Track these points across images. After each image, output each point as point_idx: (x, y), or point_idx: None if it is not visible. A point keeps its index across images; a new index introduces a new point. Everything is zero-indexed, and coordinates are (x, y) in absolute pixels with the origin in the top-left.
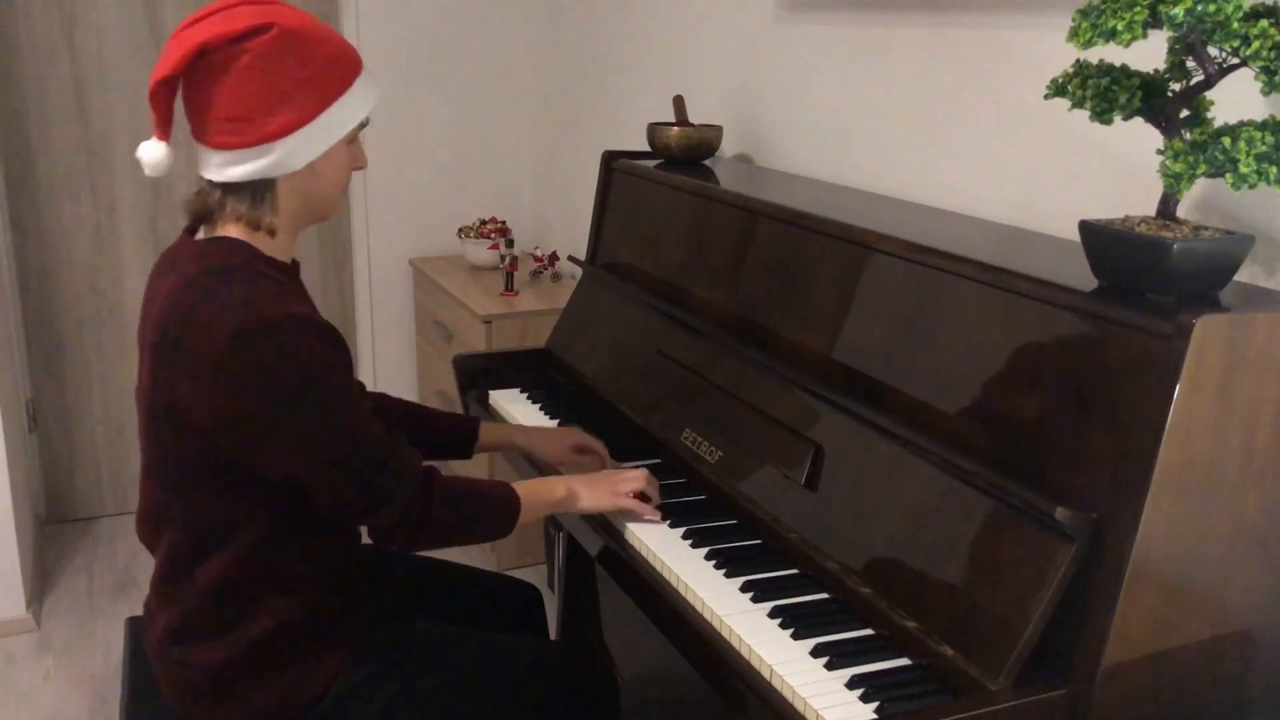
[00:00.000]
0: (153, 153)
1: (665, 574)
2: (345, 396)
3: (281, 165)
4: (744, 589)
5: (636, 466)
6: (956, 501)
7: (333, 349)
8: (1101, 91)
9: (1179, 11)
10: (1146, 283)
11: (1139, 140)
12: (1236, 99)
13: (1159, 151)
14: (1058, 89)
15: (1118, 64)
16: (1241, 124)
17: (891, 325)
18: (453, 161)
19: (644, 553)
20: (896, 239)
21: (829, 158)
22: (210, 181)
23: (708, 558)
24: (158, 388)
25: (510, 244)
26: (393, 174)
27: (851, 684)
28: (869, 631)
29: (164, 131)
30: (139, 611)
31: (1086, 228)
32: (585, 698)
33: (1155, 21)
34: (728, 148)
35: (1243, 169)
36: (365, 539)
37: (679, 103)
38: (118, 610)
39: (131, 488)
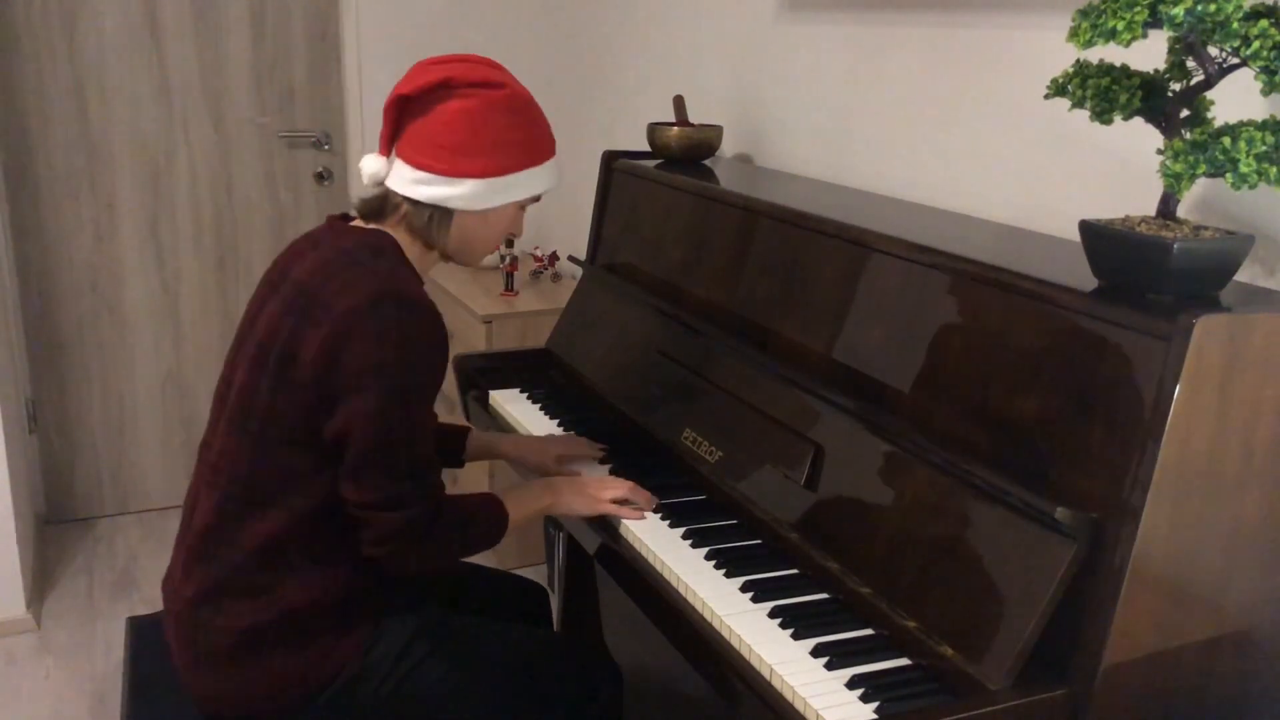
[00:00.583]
0: (374, 165)
1: (665, 574)
2: (426, 395)
3: (464, 201)
4: (744, 589)
5: (636, 462)
6: (956, 502)
7: (439, 352)
8: (1101, 91)
9: (1179, 11)
10: (1146, 283)
11: (1139, 140)
12: (1236, 99)
13: (1159, 151)
14: (1058, 89)
15: (1118, 64)
16: (1241, 124)
17: (891, 325)
18: None
19: (644, 552)
20: (896, 239)
21: (829, 158)
22: (397, 192)
23: (708, 558)
24: (279, 338)
25: (510, 244)
26: None
27: (851, 684)
28: (869, 631)
29: (388, 147)
30: (139, 611)
31: (1086, 228)
32: (591, 685)
33: (1155, 21)
34: (728, 148)
35: (1243, 169)
36: None
37: (679, 103)
38: (118, 610)
39: (132, 487)
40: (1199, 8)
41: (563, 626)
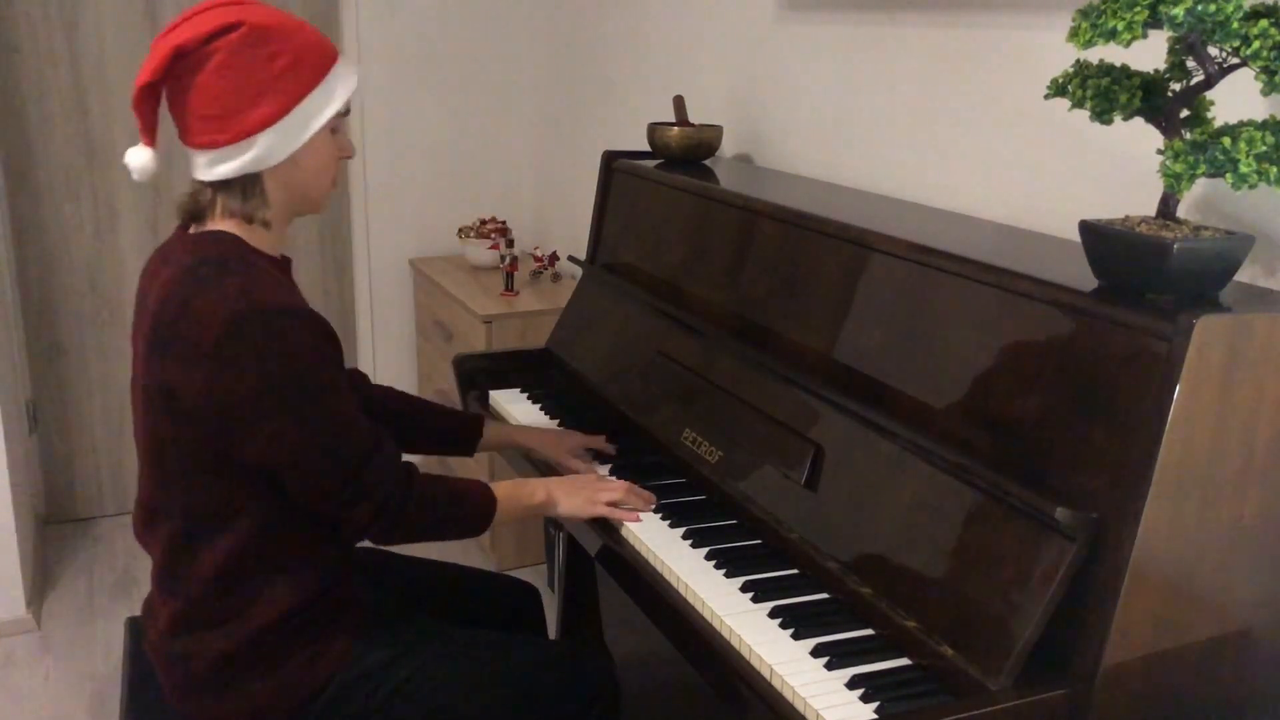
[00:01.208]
0: (140, 158)
1: (665, 574)
2: (334, 389)
3: (264, 159)
4: (744, 589)
5: (636, 462)
6: (956, 501)
7: (325, 342)
8: (1101, 91)
9: (1179, 11)
10: (1146, 283)
11: (1139, 140)
12: (1236, 99)
13: (1159, 151)
14: (1058, 89)
15: (1118, 64)
16: (1241, 124)
17: (891, 325)
18: (453, 161)
19: (644, 553)
20: (896, 239)
21: (829, 158)
22: (201, 181)
23: (708, 558)
24: (152, 376)
25: (510, 244)
26: (393, 174)
27: (851, 684)
28: (869, 631)
29: (150, 138)
30: (139, 611)
31: (1086, 228)
32: (585, 696)
33: (1155, 21)
34: (728, 148)
35: (1243, 169)
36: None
37: (679, 103)
38: (118, 610)
39: (132, 487)
40: (1199, 8)
41: (563, 627)
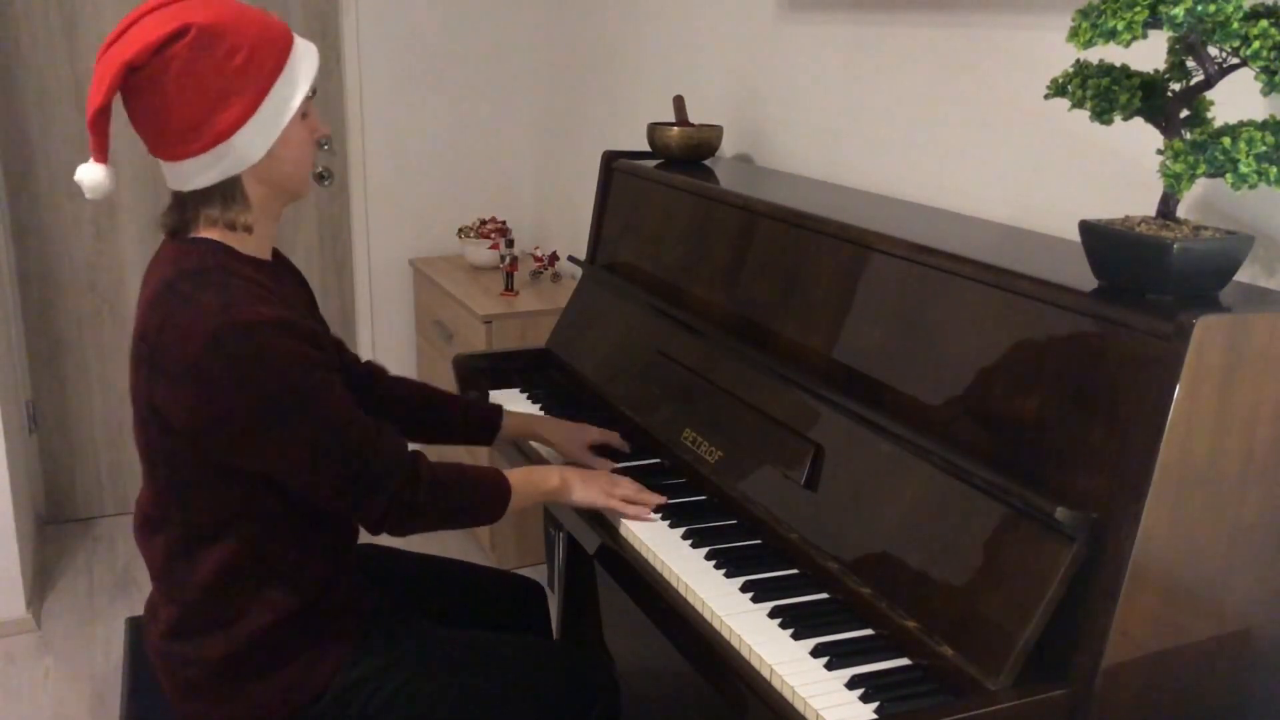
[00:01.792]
0: (93, 175)
1: (665, 574)
2: (326, 392)
3: (242, 160)
4: (744, 589)
5: (636, 464)
6: (956, 501)
7: (310, 347)
8: (1101, 91)
9: (1179, 11)
10: (1146, 283)
11: (1139, 140)
12: (1236, 99)
13: (1159, 151)
14: (1058, 89)
15: (1118, 64)
16: (1241, 124)
17: (891, 325)
18: (453, 161)
19: (644, 552)
20: (896, 239)
21: (829, 158)
22: (179, 192)
23: (708, 558)
24: (140, 391)
25: (510, 244)
26: (393, 174)
27: (851, 684)
28: (869, 631)
29: (102, 155)
30: (139, 611)
31: (1086, 228)
32: (586, 696)
33: (1155, 21)
34: (728, 148)
35: (1243, 169)
36: (364, 536)
37: (679, 103)
38: (118, 610)
39: (132, 488)
40: (1199, 8)
41: (562, 626)
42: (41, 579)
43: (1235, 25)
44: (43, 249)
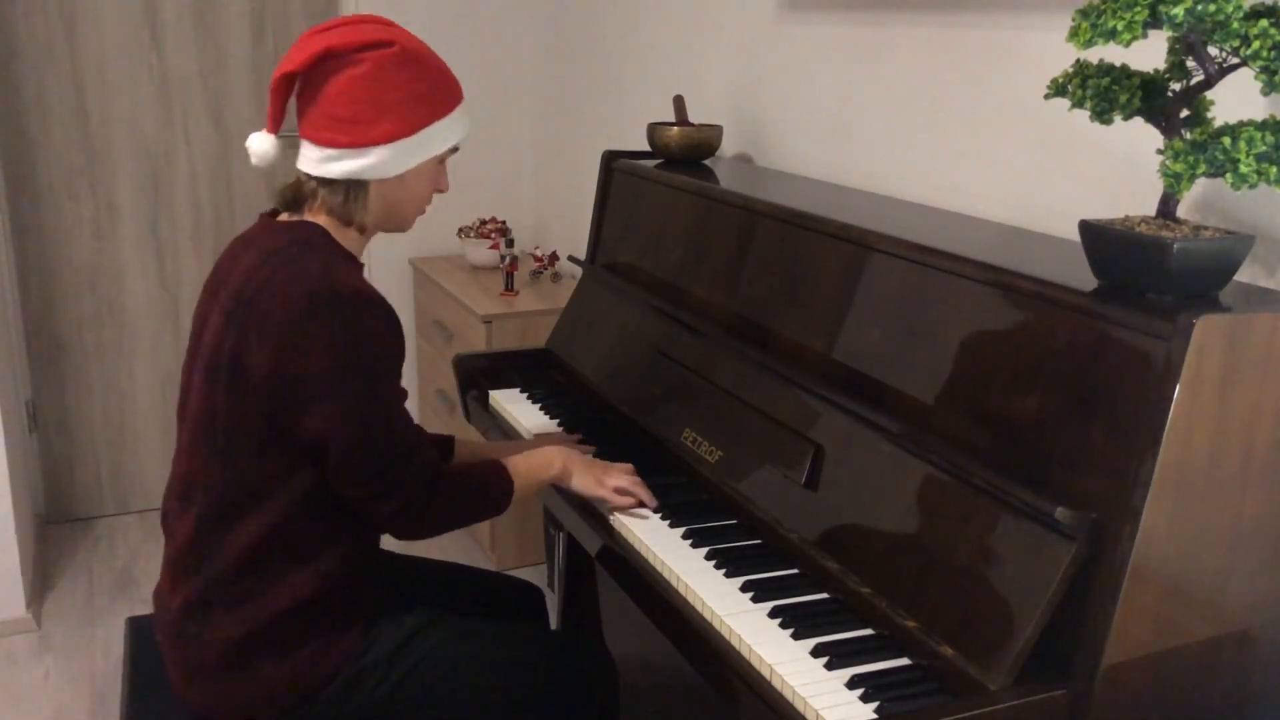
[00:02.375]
0: (261, 143)
1: (665, 574)
2: (392, 381)
3: (377, 170)
4: (744, 589)
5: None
6: (956, 502)
7: (393, 335)
8: (1101, 91)
9: (1179, 11)
10: (1146, 283)
11: (1139, 140)
12: (1236, 99)
13: (1159, 151)
14: (1058, 89)
15: (1118, 64)
16: (1241, 124)
17: (891, 325)
18: (453, 161)
19: (644, 552)
20: (896, 239)
21: (829, 158)
22: (307, 174)
23: (708, 557)
24: (222, 349)
25: (510, 244)
26: None
27: (851, 684)
28: (869, 631)
29: (276, 125)
30: (139, 611)
31: (1086, 228)
32: (587, 683)
33: (1155, 21)
34: (728, 148)
35: (1243, 169)
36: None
37: (679, 103)
38: (118, 610)
39: (132, 487)
40: (1199, 8)
41: (562, 627)
42: (41, 579)
43: (1235, 25)
44: (43, 249)
